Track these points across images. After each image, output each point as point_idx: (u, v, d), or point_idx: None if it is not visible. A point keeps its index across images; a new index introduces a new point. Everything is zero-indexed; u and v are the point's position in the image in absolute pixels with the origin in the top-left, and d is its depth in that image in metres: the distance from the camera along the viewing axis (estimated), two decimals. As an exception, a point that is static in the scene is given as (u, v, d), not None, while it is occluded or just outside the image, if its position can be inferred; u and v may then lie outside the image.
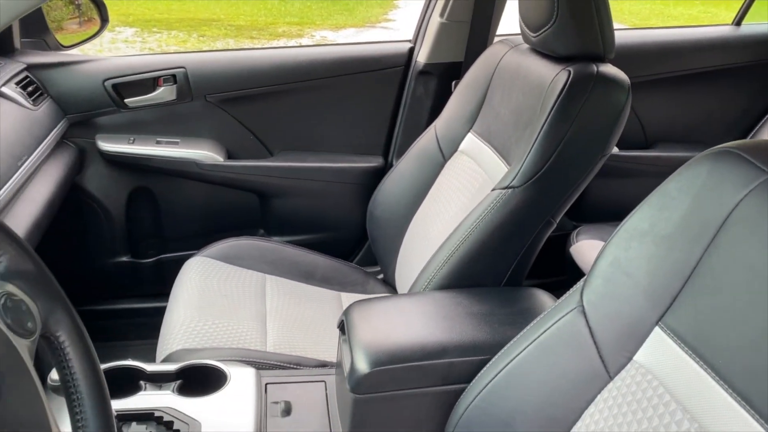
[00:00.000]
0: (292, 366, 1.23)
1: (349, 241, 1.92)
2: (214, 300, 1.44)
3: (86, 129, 1.75)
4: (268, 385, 1.14)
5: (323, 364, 1.25)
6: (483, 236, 1.18)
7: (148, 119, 1.77)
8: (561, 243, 1.85)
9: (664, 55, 1.93)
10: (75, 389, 0.68)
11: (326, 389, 1.14)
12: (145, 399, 1.05)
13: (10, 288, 0.63)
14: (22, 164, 1.38)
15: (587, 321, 0.85)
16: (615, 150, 1.87)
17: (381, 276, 1.73)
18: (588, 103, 1.13)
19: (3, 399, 0.54)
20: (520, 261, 1.22)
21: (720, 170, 0.76)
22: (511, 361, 0.90)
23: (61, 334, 0.68)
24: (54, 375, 0.96)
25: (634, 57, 1.90)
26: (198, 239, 1.77)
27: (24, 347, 0.60)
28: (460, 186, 1.45)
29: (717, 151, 0.78)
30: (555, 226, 1.22)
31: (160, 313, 1.44)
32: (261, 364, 1.20)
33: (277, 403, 1.10)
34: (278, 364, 1.23)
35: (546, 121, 1.14)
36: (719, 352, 0.72)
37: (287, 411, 1.08)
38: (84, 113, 1.73)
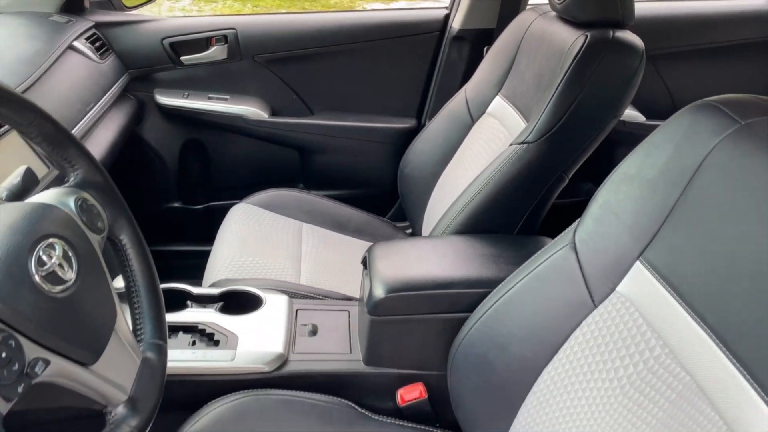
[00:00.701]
0: (320, 297, 1.37)
1: (382, 197, 2.04)
2: (254, 241, 1.59)
3: (145, 83, 1.91)
4: (299, 311, 1.28)
5: (348, 299, 1.39)
6: (498, 187, 1.28)
7: (201, 76, 1.92)
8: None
9: (697, 27, 1.97)
10: (134, 284, 0.82)
11: (349, 317, 1.28)
12: (191, 314, 1.21)
13: (85, 194, 0.78)
14: (90, 110, 1.54)
15: (577, 256, 0.96)
16: (641, 119, 1.93)
17: (410, 231, 1.85)
18: (601, 66, 1.21)
19: (81, 279, 0.68)
20: (532, 212, 1.31)
21: (699, 121, 0.84)
22: (509, 290, 1.02)
23: (123, 238, 0.82)
24: (117, 283, 1.12)
25: (666, 28, 1.94)
26: (242, 189, 1.92)
27: (95, 241, 0.75)
28: (485, 146, 1.54)
29: (699, 104, 0.86)
30: (567, 182, 1.31)
31: (207, 256, 1.60)
32: (293, 293, 1.34)
33: (305, 325, 1.23)
34: (308, 294, 1.37)
35: (561, 81, 1.23)
36: (689, 284, 0.81)
37: (314, 332, 1.22)
38: (144, 69, 1.89)
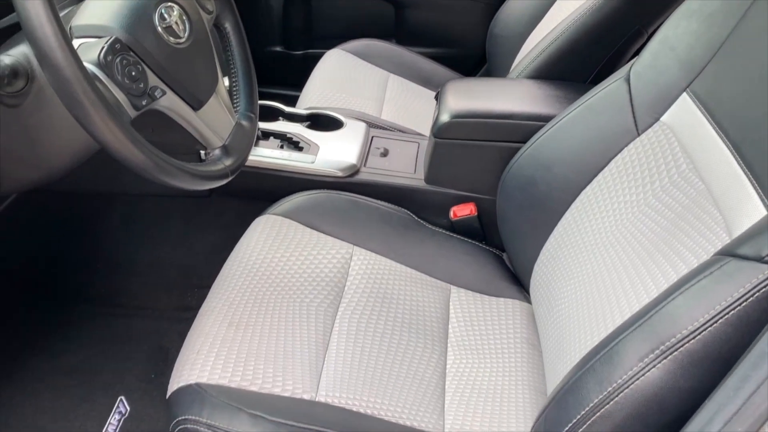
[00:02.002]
0: (395, 129, 1.50)
1: (470, 58, 2.10)
2: (343, 82, 1.73)
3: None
4: (374, 137, 1.42)
5: (421, 135, 1.51)
6: (576, 35, 1.32)
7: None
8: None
9: None
10: (234, 65, 0.98)
11: (418, 148, 1.41)
12: (282, 125, 1.38)
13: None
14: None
15: (629, 88, 1.02)
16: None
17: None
18: None
19: (192, 41, 0.84)
20: (606, 64, 1.36)
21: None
22: (562, 119, 1.10)
23: (227, 26, 0.97)
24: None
25: None
26: (338, 40, 2.04)
27: (205, 18, 0.90)
28: (576, 4, 1.56)
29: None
30: (645, 38, 1.33)
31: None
32: (372, 124, 1.48)
33: (378, 148, 1.38)
34: (385, 126, 1.51)
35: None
36: (724, 108, 0.87)
37: (385, 154, 1.37)
38: None
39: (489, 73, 1.95)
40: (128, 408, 1.22)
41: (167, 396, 0.88)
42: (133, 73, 0.72)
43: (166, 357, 1.31)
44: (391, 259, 1.17)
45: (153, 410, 1.22)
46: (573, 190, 1.06)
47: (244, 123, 0.95)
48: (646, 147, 0.98)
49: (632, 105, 1.01)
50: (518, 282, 1.22)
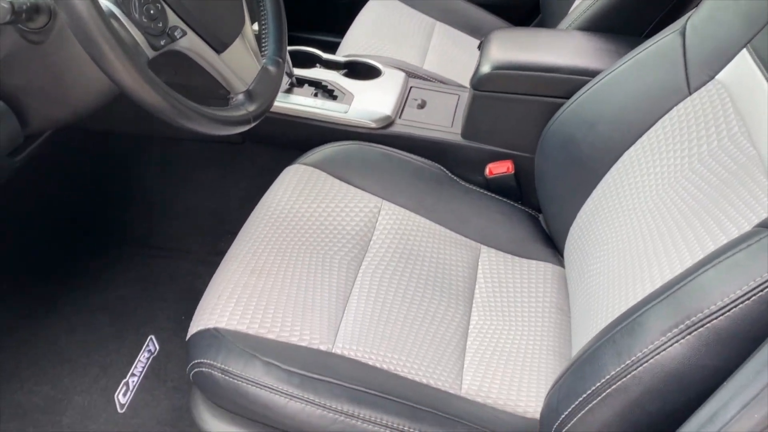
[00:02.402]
0: (436, 80, 1.45)
1: (523, 7, 2.00)
2: (387, 30, 1.68)
3: None
4: (412, 88, 1.38)
5: (463, 87, 1.45)
6: (632, -16, 1.23)
7: None
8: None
9: None
10: (264, 8, 0.95)
11: (458, 100, 1.36)
12: (318, 73, 1.35)
13: None
14: None
15: (684, 41, 0.94)
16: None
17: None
18: None
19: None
20: (663, 18, 1.26)
21: None
22: (608, 74, 1.03)
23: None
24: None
25: None
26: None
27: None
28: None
29: None
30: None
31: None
32: (411, 74, 1.44)
33: (416, 99, 1.34)
34: (425, 77, 1.46)
35: None
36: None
37: (422, 105, 1.32)
38: None
39: (542, 24, 1.85)
40: (157, 347, 1.25)
41: (187, 338, 0.89)
42: (152, 12, 0.70)
43: (197, 298, 1.33)
44: (420, 215, 1.14)
45: (181, 351, 1.25)
46: (615, 151, 1.00)
47: (271, 68, 0.92)
48: (697, 107, 0.91)
49: (685, 61, 0.94)
50: (553, 245, 1.17)
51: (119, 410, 1.14)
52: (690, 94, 0.93)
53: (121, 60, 0.65)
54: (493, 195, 1.23)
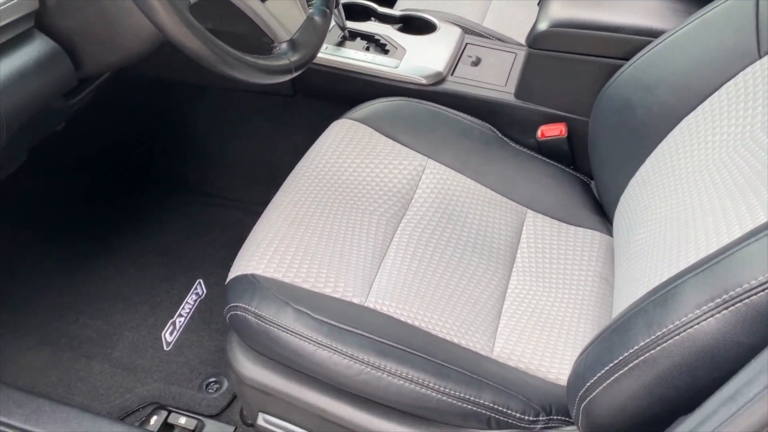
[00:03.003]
0: (493, 38, 1.41)
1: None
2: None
3: None
4: (468, 44, 1.34)
5: (522, 46, 1.40)
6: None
7: None
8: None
9: None
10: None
11: (515, 59, 1.31)
12: (371, 26, 1.33)
13: None
14: None
15: (758, 1, 0.87)
16: None
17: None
18: None
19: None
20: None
21: None
22: (671, 35, 0.97)
23: None
24: None
25: None
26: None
27: None
28: None
29: None
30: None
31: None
32: (468, 29, 1.40)
33: (470, 56, 1.30)
34: (483, 33, 1.41)
35: None
36: None
37: (476, 63, 1.29)
38: None
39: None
40: (205, 290, 1.29)
41: (226, 282, 0.92)
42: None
43: (246, 247, 1.37)
44: (465, 176, 1.12)
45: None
46: (673, 118, 0.95)
47: (317, 18, 0.91)
48: (766, 73, 0.85)
49: (758, 22, 0.87)
50: (604, 213, 1.13)
51: (165, 348, 1.20)
52: (760, 57, 0.86)
53: (161, 2, 0.65)
54: (543, 158, 1.19)
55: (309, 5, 0.92)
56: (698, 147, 0.89)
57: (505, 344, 0.91)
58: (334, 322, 0.83)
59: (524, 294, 0.98)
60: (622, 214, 1.03)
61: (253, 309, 0.84)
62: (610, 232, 1.10)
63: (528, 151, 1.19)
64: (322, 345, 0.81)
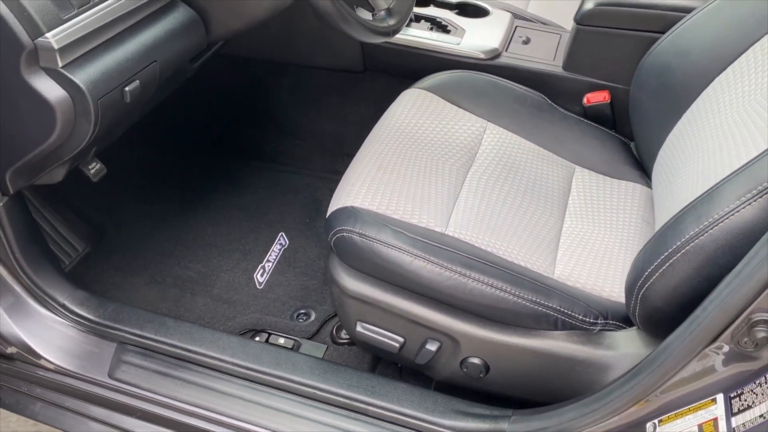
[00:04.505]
0: (539, 22, 1.58)
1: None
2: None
3: None
4: (518, 27, 1.51)
5: (565, 29, 1.57)
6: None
7: None
8: None
9: None
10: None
11: (560, 39, 1.48)
12: (433, 10, 1.51)
13: None
14: None
15: (779, -25, 1.04)
16: None
17: None
18: None
19: None
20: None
21: None
22: (704, 8, 1.14)
23: None
24: None
25: None
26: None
27: None
28: None
29: None
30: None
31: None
32: (517, 15, 1.57)
33: (521, 36, 1.48)
34: (530, 18, 1.58)
35: None
36: None
37: (526, 42, 1.46)
38: None
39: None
40: (287, 241, 1.46)
41: (327, 216, 1.08)
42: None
43: (319, 207, 1.54)
44: (521, 136, 1.28)
45: (306, 245, 1.47)
46: (707, 77, 1.11)
47: (404, -7, 1.09)
48: (787, 34, 1.01)
49: (780, -8, 1.03)
50: (642, 170, 1.29)
51: (258, 286, 1.36)
52: (781, 22, 1.02)
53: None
54: (589, 122, 1.35)
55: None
56: (729, 99, 1.05)
57: (564, 268, 1.07)
58: (426, 240, 1.00)
59: (577, 231, 1.14)
60: (661, 165, 1.19)
61: (357, 230, 1.01)
62: (648, 185, 1.25)
63: (575, 116, 1.36)
64: (418, 256, 0.97)
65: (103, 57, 0.90)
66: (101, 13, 0.87)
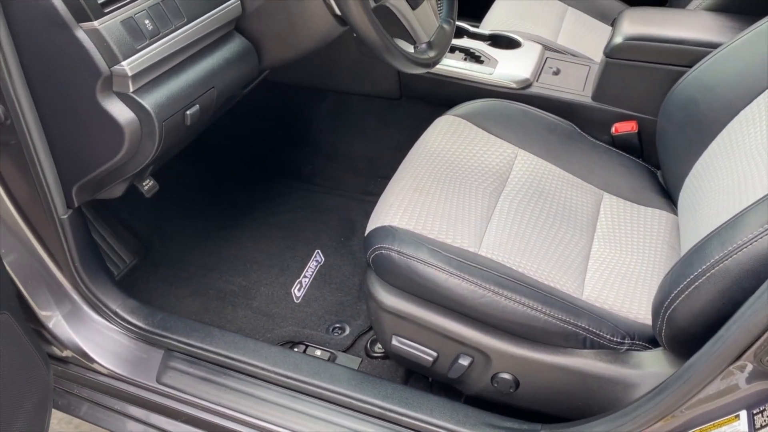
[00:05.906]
0: (568, 53, 1.64)
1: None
2: (524, 9, 1.88)
3: None
4: (548, 59, 1.58)
5: (593, 61, 1.64)
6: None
7: None
8: None
9: None
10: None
11: (589, 71, 1.54)
12: (466, 42, 1.58)
13: None
14: None
15: (803, 14, 1.09)
16: None
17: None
18: None
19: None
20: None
21: None
22: (730, 44, 1.19)
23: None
24: None
25: None
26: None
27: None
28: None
29: None
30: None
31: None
32: (547, 47, 1.64)
33: (551, 67, 1.54)
34: (559, 50, 1.65)
35: None
36: None
37: (556, 72, 1.52)
38: None
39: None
40: (323, 258, 1.53)
41: (366, 234, 1.14)
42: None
43: (353, 227, 1.61)
44: (551, 163, 1.34)
45: (341, 263, 1.53)
46: (731, 111, 1.16)
47: (445, 26, 1.16)
48: (810, 70, 1.06)
49: (803, 31, 1.08)
50: (669, 197, 1.33)
51: (295, 300, 1.43)
52: (805, 59, 1.07)
53: (357, 6, 0.90)
54: (617, 150, 1.41)
55: (439, 14, 1.17)
56: (754, 132, 1.09)
57: (592, 290, 1.12)
58: (460, 258, 1.06)
59: (605, 255, 1.19)
60: (687, 194, 1.23)
61: (396, 248, 1.07)
62: (674, 212, 1.30)
63: (603, 144, 1.41)
64: (453, 274, 1.03)
65: (168, 83, 0.98)
66: (169, 43, 0.96)
